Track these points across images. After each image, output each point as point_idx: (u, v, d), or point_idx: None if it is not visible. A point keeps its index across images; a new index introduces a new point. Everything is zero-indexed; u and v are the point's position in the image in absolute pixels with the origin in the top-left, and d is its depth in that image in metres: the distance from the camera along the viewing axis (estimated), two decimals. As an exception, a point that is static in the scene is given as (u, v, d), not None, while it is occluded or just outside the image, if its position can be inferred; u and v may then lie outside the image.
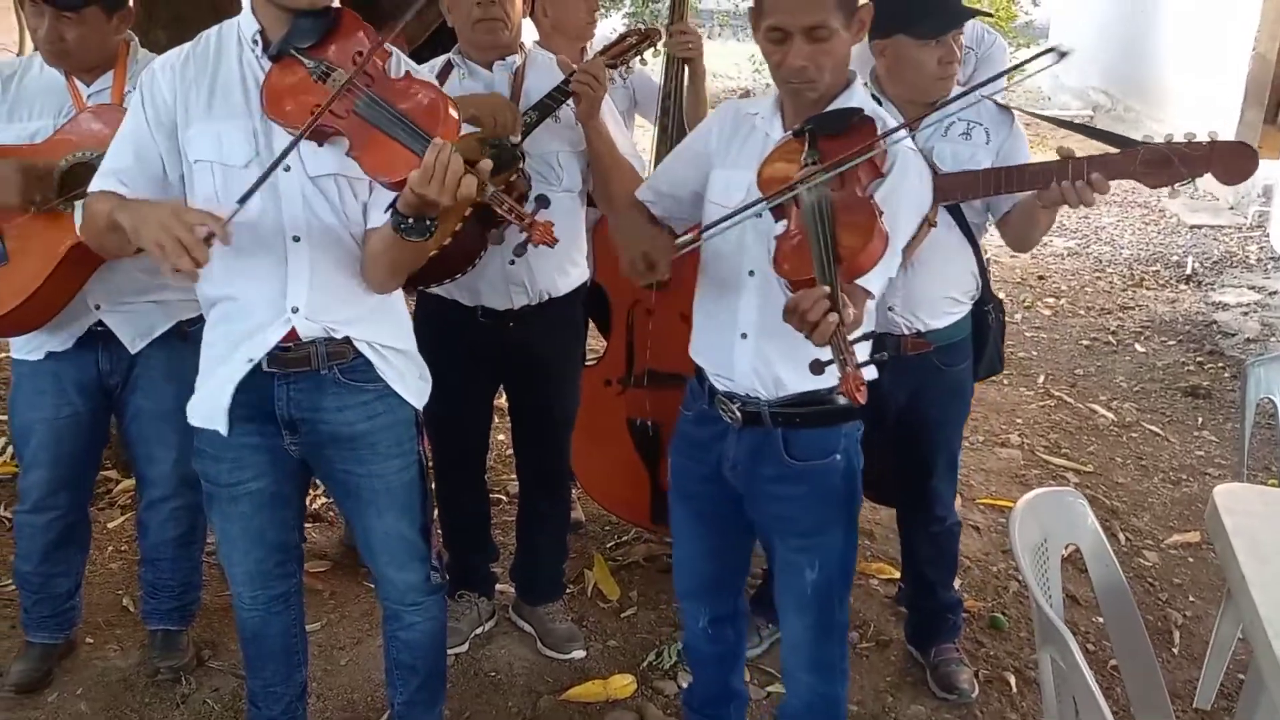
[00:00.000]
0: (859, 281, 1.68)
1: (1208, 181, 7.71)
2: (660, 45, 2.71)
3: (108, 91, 2.24)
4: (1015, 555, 1.60)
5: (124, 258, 2.06)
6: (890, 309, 2.35)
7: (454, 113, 1.70)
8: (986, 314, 2.49)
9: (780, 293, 1.75)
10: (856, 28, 1.82)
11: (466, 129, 2.22)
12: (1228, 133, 8.39)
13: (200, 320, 1.96)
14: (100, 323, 2.32)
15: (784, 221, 1.72)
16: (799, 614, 2.01)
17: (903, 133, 1.82)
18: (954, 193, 2.21)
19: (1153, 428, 4.32)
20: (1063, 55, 1.77)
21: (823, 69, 1.78)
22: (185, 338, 2.32)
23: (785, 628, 2.07)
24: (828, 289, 1.54)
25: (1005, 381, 4.67)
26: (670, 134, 2.84)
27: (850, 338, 1.53)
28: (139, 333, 2.34)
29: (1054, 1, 11.94)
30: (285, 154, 1.67)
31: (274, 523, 2.01)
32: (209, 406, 1.91)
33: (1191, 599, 3.14)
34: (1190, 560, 3.35)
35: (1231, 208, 7.38)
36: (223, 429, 1.89)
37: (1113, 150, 2.10)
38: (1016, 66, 1.77)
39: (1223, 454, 4.10)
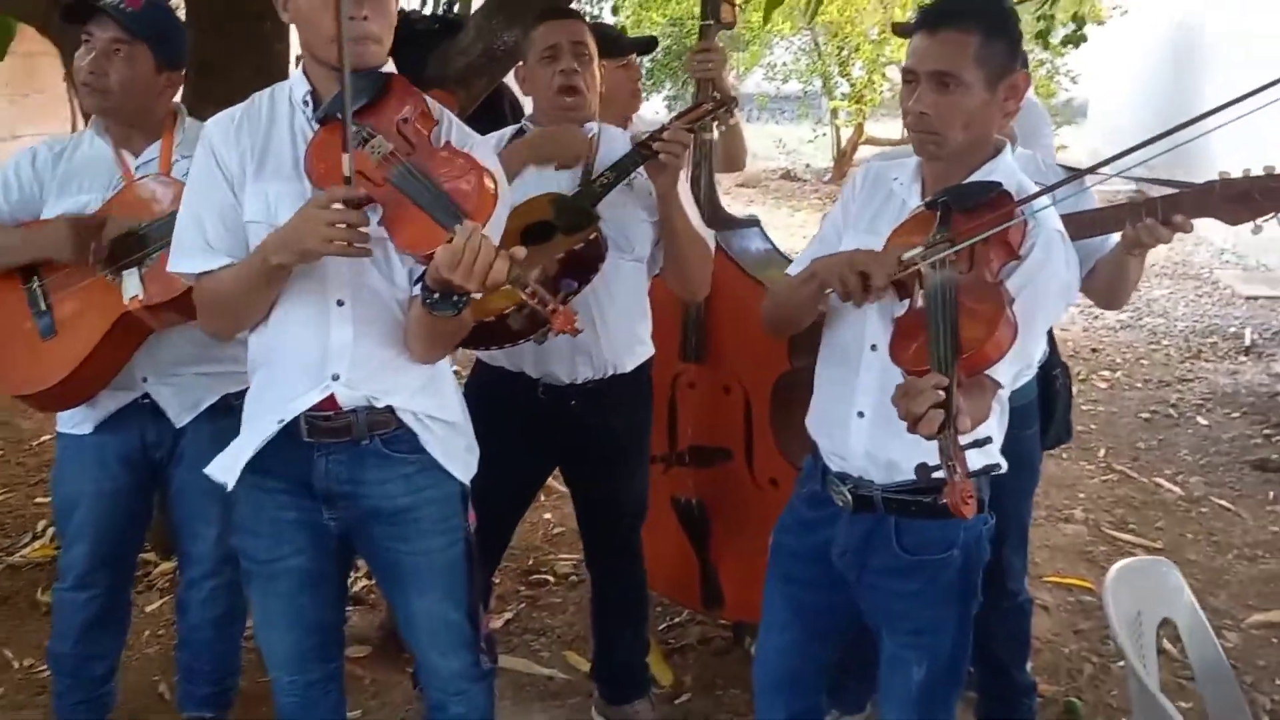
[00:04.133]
0: (989, 372, 1.58)
1: (1263, 250, 7.60)
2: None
3: (155, 162, 2.23)
4: (1111, 628, 1.49)
5: (179, 327, 2.02)
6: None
7: (491, 186, 1.64)
8: (1054, 379, 2.39)
9: (900, 372, 1.65)
10: (1005, 94, 1.73)
11: (539, 188, 2.18)
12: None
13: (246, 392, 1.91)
14: (147, 395, 2.28)
15: (906, 302, 1.63)
16: (901, 711, 1.88)
17: (1051, 213, 1.71)
18: None
19: (1222, 503, 4.15)
20: None
21: (948, 123, 1.69)
22: (231, 411, 2.26)
23: None
24: (943, 380, 1.45)
25: (1065, 455, 4.52)
26: (699, 192, 2.70)
27: (963, 441, 1.43)
28: (185, 406, 2.30)
29: (1093, 78, 11.95)
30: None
31: (314, 602, 1.92)
32: (227, 460, 1.85)
33: (1278, 682, 2.96)
34: (1274, 641, 3.17)
35: (1287, 278, 7.24)
36: (230, 483, 1.83)
37: (1188, 189, 2.01)
38: (1239, 99, 1.64)
39: (1298, 529, 3.93)
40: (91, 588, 2.39)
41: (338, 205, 1.58)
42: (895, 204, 1.84)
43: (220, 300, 1.77)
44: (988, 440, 1.48)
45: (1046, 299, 1.71)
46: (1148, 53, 10.88)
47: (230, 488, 1.84)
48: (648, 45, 3.32)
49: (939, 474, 1.42)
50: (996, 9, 1.76)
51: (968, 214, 1.64)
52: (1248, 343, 6.10)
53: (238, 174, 1.76)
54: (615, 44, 2.90)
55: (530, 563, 3.60)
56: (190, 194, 1.80)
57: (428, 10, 3.66)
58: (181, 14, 2.98)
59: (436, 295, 1.63)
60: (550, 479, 4.06)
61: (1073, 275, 1.78)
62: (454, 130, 1.81)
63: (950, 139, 1.71)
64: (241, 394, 2.00)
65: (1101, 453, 4.64)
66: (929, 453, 1.54)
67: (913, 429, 1.45)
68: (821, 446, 1.91)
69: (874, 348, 1.79)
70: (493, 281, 1.54)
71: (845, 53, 11.52)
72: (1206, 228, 8.55)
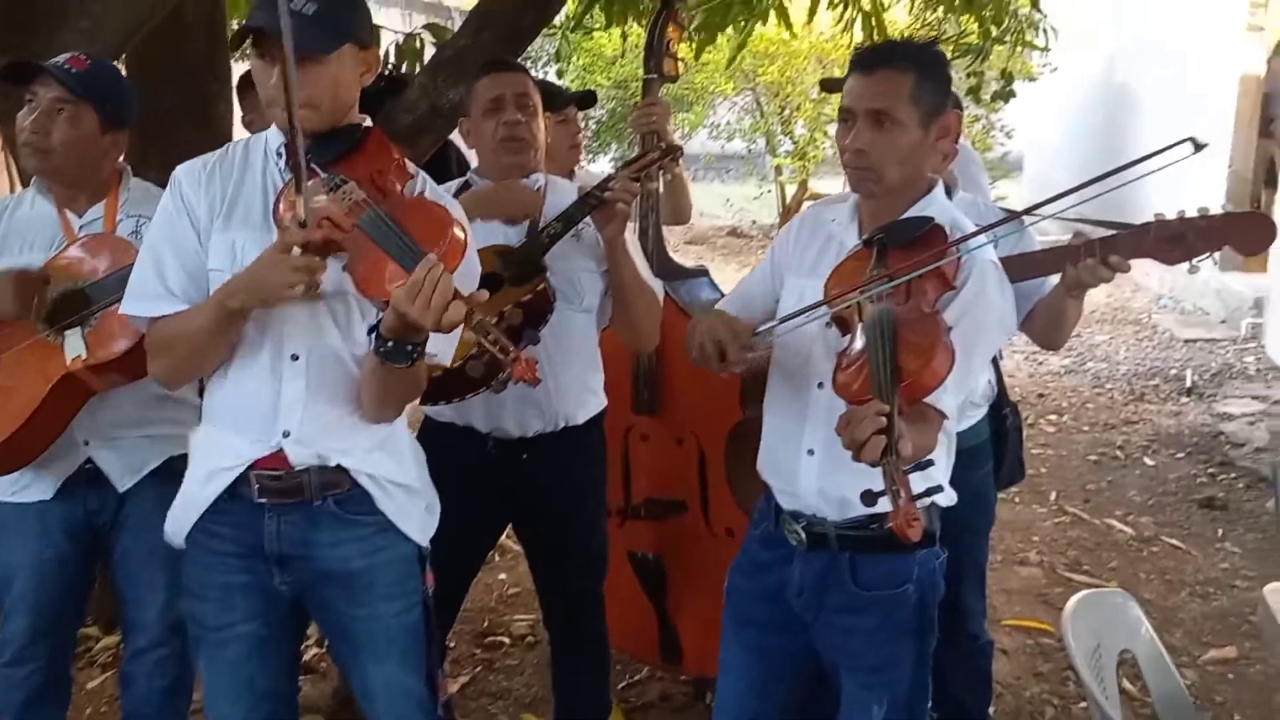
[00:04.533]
0: (930, 400, 1.60)
1: (1198, 294, 7.80)
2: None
3: (99, 222, 2.19)
4: (1072, 660, 1.49)
5: (123, 388, 1.99)
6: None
7: (461, 236, 1.63)
8: (1004, 418, 2.42)
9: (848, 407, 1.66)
10: (937, 133, 1.78)
11: (486, 241, 2.16)
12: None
13: None
14: (89, 460, 2.22)
15: (848, 337, 1.65)
16: None
17: (982, 241, 1.74)
18: None
19: (1173, 541, 4.19)
20: (1199, 147, 1.68)
21: (885, 160, 1.73)
22: (175, 475, 2.21)
23: None
24: (884, 408, 1.46)
25: (1017, 500, 4.56)
26: (648, 244, 2.72)
27: (905, 467, 1.43)
28: (129, 469, 2.24)
29: (1028, 133, 12.27)
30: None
31: (265, 670, 1.85)
32: (175, 525, 1.81)
33: (1236, 717, 2.97)
34: (1230, 677, 3.19)
35: (1223, 321, 7.41)
36: (177, 543, 1.80)
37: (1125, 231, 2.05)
38: (1147, 157, 1.70)
39: (1248, 565, 3.98)
40: (30, 662, 2.30)
41: (298, 250, 1.56)
42: (834, 245, 1.87)
43: (173, 346, 1.73)
44: (929, 463, 1.49)
45: (985, 328, 1.74)
46: (1079, 107, 11.22)
47: (181, 545, 1.80)
48: (585, 100, 3.37)
49: (883, 499, 1.42)
50: (929, 51, 1.82)
51: (904, 250, 1.67)
52: (1189, 384, 6.22)
53: (205, 221, 1.73)
54: (554, 98, 2.93)
55: (485, 625, 3.54)
56: (152, 238, 1.77)
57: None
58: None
59: (390, 343, 1.59)
60: (504, 538, 4.06)
61: (1008, 304, 1.81)
62: (428, 188, 1.81)
63: (887, 176, 1.75)
64: (185, 457, 1.96)
65: (1053, 495, 4.68)
66: (878, 484, 1.54)
67: (857, 456, 1.45)
68: (773, 486, 1.91)
69: (820, 385, 1.80)
70: (449, 320, 1.50)
71: (787, 112, 11.73)
72: (1143, 273, 8.78)
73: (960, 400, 1.72)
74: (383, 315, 1.59)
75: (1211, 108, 7.63)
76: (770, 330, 1.80)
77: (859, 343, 1.60)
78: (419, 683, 1.88)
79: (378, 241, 1.59)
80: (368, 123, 1.78)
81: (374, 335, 1.62)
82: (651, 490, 2.81)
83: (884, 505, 1.42)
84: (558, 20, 6.04)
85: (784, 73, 10.96)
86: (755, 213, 13.10)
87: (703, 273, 2.94)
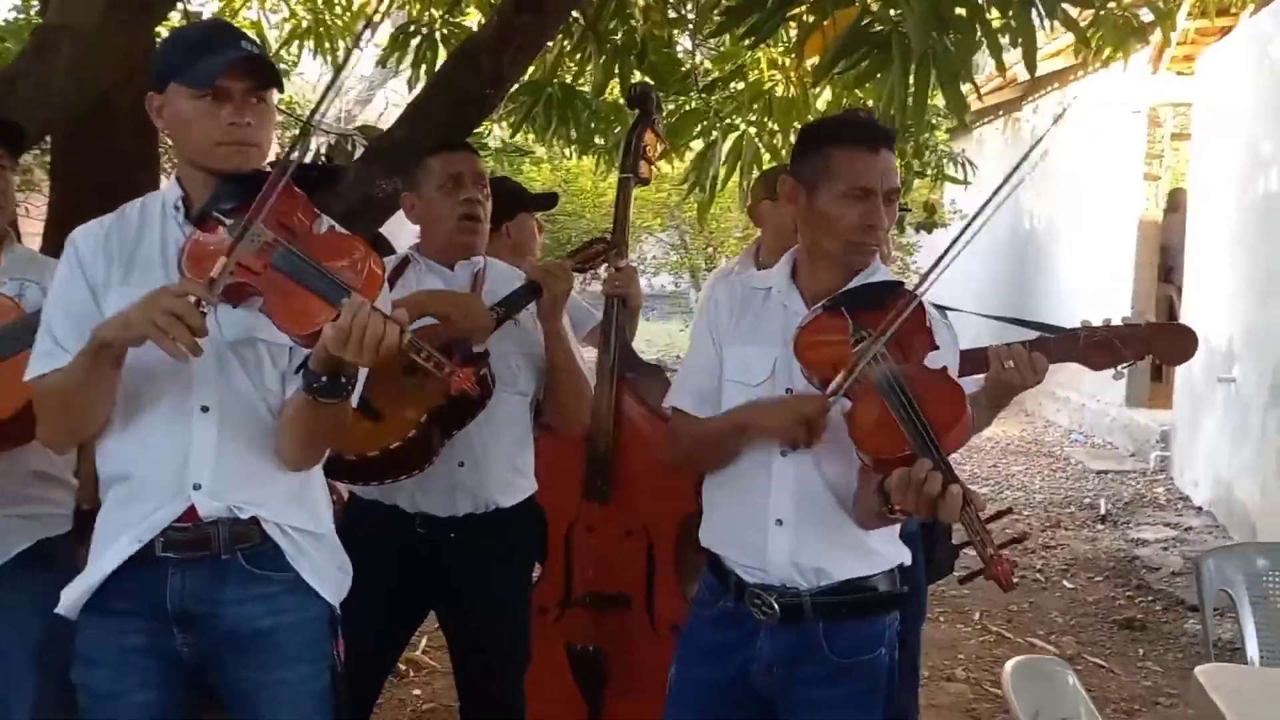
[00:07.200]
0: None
1: (1107, 430, 8.03)
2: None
3: None
4: (1015, 716, 1.46)
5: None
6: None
7: (377, 269, 1.63)
8: (934, 508, 2.41)
9: (817, 473, 1.72)
10: None
11: (425, 322, 2.13)
12: (1119, 389, 8.68)
13: (65, 538, 1.80)
14: None
15: (845, 400, 1.67)
16: None
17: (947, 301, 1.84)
18: None
19: (1096, 660, 4.21)
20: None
21: (884, 235, 1.81)
22: (47, 560, 2.05)
23: None
24: (931, 463, 1.49)
25: (941, 619, 4.55)
26: (612, 365, 2.76)
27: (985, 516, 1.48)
28: None
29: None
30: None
31: None
32: (75, 592, 1.70)
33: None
34: (1160, 790, 3.16)
35: (1133, 454, 7.60)
36: (72, 614, 1.70)
37: (1054, 335, 2.11)
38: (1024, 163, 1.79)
39: (1169, 684, 3.99)
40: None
41: (186, 295, 1.52)
42: (776, 310, 1.87)
43: (55, 398, 1.66)
44: (1009, 510, 1.58)
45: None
46: (987, 249, 11.68)
47: (74, 616, 1.69)
48: (548, 201, 3.49)
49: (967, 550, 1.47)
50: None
51: (878, 311, 1.70)
52: (1103, 512, 6.33)
53: (102, 281, 1.69)
54: (522, 200, 3.09)
55: (399, 739, 3.37)
56: (48, 304, 1.73)
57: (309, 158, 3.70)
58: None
59: (324, 379, 1.56)
60: (420, 653, 3.91)
61: (956, 362, 1.85)
62: (336, 228, 1.78)
63: (881, 248, 1.84)
64: (58, 539, 1.86)
65: (976, 615, 4.68)
66: (855, 550, 1.69)
67: (929, 514, 1.47)
68: (731, 560, 1.85)
69: (784, 453, 1.78)
70: (385, 350, 1.50)
71: (711, 249, 12.03)
72: (1054, 410, 9.01)
73: None
74: (311, 353, 1.55)
75: (1116, 252, 8.00)
76: (842, 383, 1.71)
77: (867, 403, 1.62)
78: None
79: (295, 278, 1.57)
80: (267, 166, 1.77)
81: (305, 373, 1.58)
82: (596, 584, 2.74)
83: (883, 559, 1.51)
84: (493, 144, 6.21)
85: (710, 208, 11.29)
86: (680, 348, 13.25)
87: (661, 370, 3.00)
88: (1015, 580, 1.46)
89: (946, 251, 1.69)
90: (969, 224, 1.69)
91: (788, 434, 1.73)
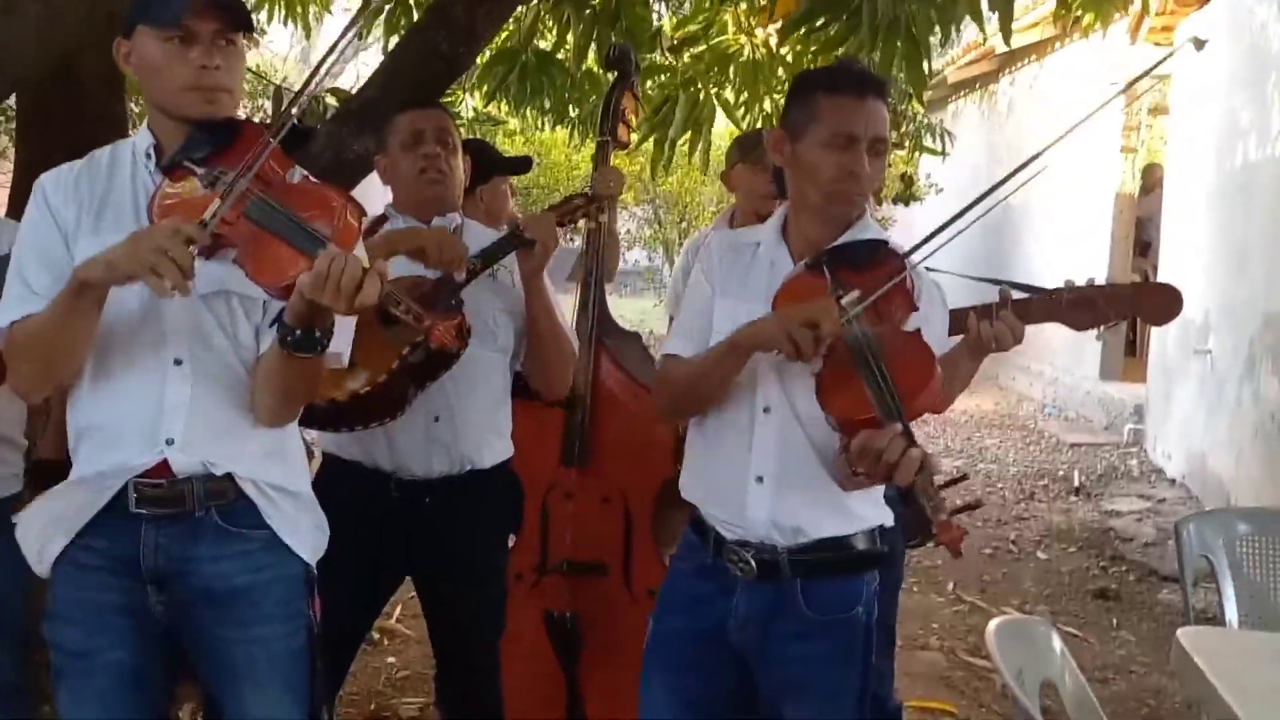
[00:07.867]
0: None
1: (1080, 403, 8.08)
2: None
3: None
4: (1005, 679, 1.44)
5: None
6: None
7: (353, 220, 1.59)
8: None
9: (800, 431, 1.69)
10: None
11: (403, 271, 2.09)
12: (1093, 362, 8.73)
13: (16, 498, 1.78)
14: None
15: (818, 360, 1.62)
16: None
17: (926, 261, 1.76)
18: None
19: (1070, 629, 4.22)
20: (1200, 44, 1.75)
21: (871, 186, 1.75)
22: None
23: None
24: (898, 427, 1.45)
25: (915, 589, 4.56)
26: (590, 330, 2.74)
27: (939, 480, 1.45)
28: None
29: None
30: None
31: (134, 703, 1.68)
32: (44, 547, 1.67)
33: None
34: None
35: (1106, 427, 7.65)
36: (42, 572, 1.67)
37: (1037, 294, 2.08)
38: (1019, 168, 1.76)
39: (1143, 653, 4.03)
40: None
41: (177, 234, 1.47)
42: (763, 266, 1.84)
43: (31, 343, 1.61)
44: (964, 477, 1.56)
45: (938, 344, 1.75)
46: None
47: (46, 573, 1.66)
48: (520, 165, 3.42)
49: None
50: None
51: (859, 272, 1.66)
52: (1076, 484, 6.37)
53: (73, 227, 1.65)
54: (493, 162, 3.02)
55: (373, 707, 3.34)
56: (17, 250, 1.68)
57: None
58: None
59: (298, 332, 1.53)
60: (394, 621, 3.88)
61: (945, 325, 1.82)
62: (301, 174, 1.74)
63: (864, 202, 1.78)
64: (8, 499, 1.84)
65: (950, 586, 4.69)
66: (835, 510, 1.67)
67: (887, 478, 1.45)
68: (711, 516, 1.83)
69: (767, 410, 1.76)
70: (363, 301, 1.47)
71: (685, 223, 11.97)
72: (1027, 384, 9.05)
73: None
74: (286, 306, 1.52)
75: (1092, 227, 8.02)
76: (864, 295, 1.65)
77: (834, 364, 1.59)
78: (301, 715, 1.74)
79: (268, 228, 1.54)
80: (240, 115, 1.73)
81: (279, 325, 1.55)
82: (573, 551, 2.71)
83: (865, 518, 1.50)
84: (466, 114, 6.12)
85: (683, 184, 11.23)
86: (653, 324, 13.21)
87: (638, 337, 2.97)
88: (961, 550, 1.44)
89: (957, 217, 1.66)
90: (993, 189, 1.66)
91: (791, 337, 1.61)
